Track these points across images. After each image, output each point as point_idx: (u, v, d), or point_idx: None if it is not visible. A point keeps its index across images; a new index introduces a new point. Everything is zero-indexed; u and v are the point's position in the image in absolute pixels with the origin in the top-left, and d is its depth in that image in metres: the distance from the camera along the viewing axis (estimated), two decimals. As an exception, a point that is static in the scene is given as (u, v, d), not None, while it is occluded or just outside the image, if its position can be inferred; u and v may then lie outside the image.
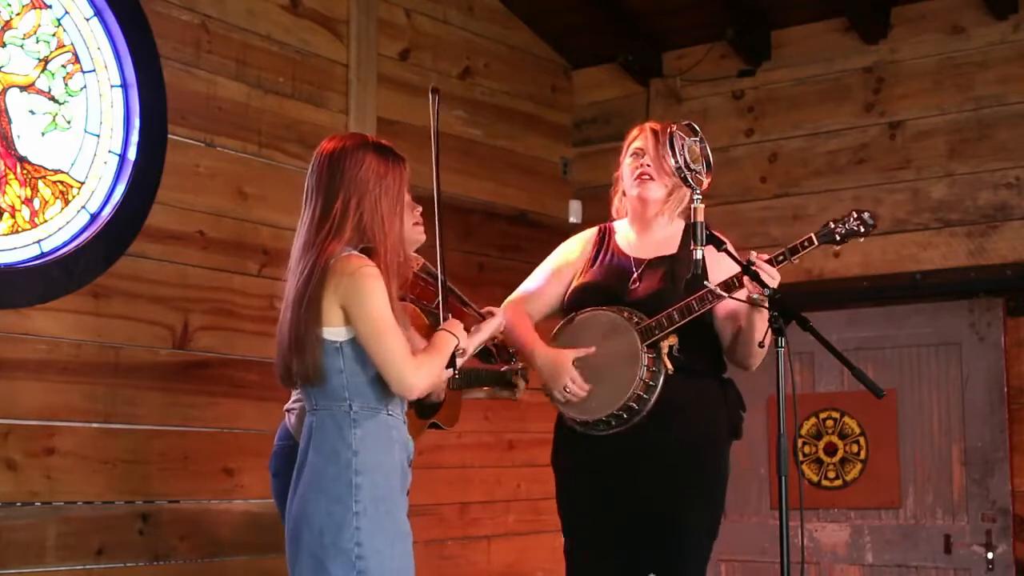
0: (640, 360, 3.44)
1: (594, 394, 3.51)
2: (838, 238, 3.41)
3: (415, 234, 3.75)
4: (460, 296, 3.46)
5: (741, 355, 3.52)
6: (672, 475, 3.49)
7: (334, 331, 2.87)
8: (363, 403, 2.90)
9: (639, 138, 3.65)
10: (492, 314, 3.23)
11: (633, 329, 3.47)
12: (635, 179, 3.61)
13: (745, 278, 3.31)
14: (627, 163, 3.66)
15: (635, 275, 3.59)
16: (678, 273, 3.52)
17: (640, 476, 3.49)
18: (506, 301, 3.76)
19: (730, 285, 3.36)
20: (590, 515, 3.57)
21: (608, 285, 3.60)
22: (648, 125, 3.68)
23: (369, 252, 2.94)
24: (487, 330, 3.15)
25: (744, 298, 3.33)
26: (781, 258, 3.37)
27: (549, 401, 3.66)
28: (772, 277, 3.32)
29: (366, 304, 2.84)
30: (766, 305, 3.18)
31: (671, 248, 3.63)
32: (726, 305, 3.48)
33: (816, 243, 3.39)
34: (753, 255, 3.36)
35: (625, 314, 3.52)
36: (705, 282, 3.34)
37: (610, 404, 3.46)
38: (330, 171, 2.94)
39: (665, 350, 3.43)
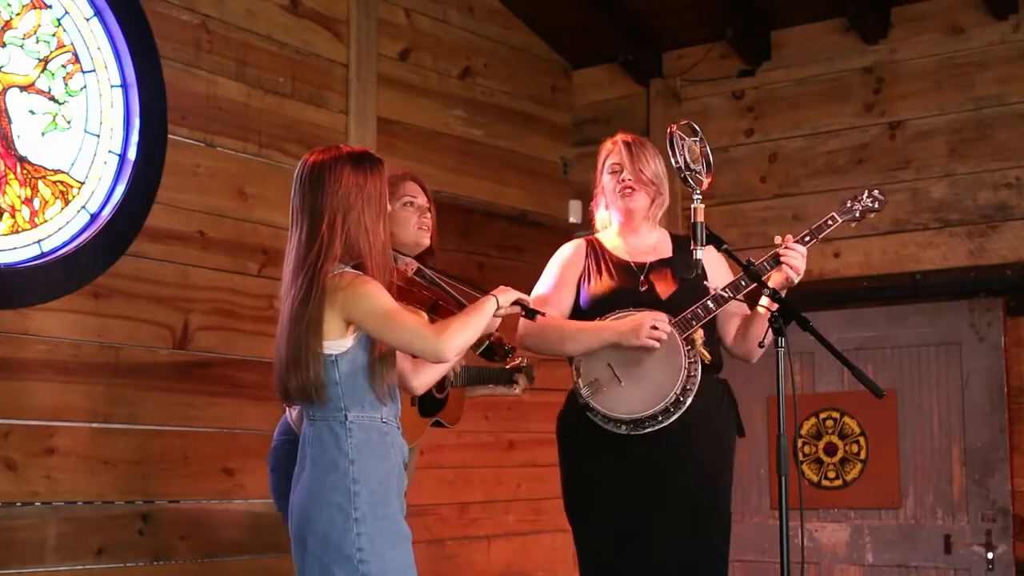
0: (681, 351, 3.49)
1: (638, 392, 3.52)
2: (858, 215, 3.61)
3: (419, 237, 3.76)
4: (456, 297, 3.45)
5: (748, 347, 3.60)
6: (703, 473, 3.56)
7: (331, 344, 2.95)
8: (358, 412, 2.97)
9: (613, 153, 3.75)
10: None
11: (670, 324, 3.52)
12: (619, 193, 3.70)
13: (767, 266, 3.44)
14: (607, 180, 3.76)
15: (641, 278, 3.65)
16: (682, 277, 3.60)
17: (674, 475, 3.53)
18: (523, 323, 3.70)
19: (762, 270, 3.46)
20: (623, 519, 3.57)
21: (624, 287, 3.65)
22: (620, 138, 3.76)
23: (361, 267, 3.00)
24: (513, 291, 3.16)
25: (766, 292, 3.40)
26: (808, 238, 3.52)
27: (597, 420, 3.58)
28: (800, 256, 3.46)
29: (369, 302, 2.92)
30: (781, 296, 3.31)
31: (665, 252, 3.72)
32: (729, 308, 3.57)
33: (839, 220, 3.57)
34: (778, 238, 3.50)
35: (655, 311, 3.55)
36: (705, 282, 3.38)
37: (659, 398, 3.48)
38: (312, 191, 3.01)
39: (699, 342, 3.50)
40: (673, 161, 3.32)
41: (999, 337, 5.19)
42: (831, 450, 5.49)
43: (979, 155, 5.23)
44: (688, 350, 3.50)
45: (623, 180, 3.69)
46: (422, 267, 3.51)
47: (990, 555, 5.11)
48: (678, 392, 3.47)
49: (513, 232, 5.85)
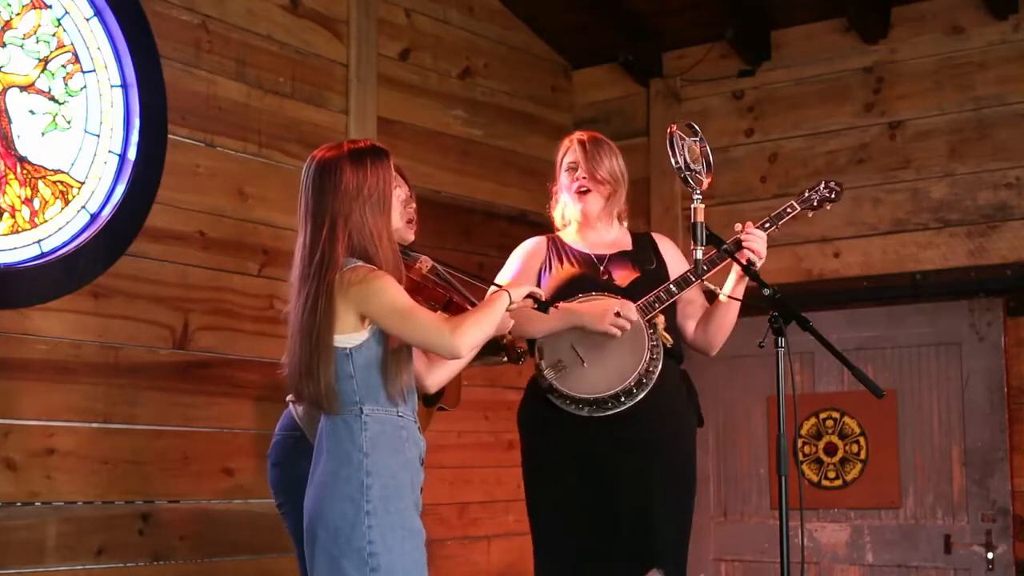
0: (644, 334, 3.53)
1: (601, 373, 3.54)
2: (815, 203, 3.74)
3: (404, 233, 3.75)
4: (469, 296, 3.45)
5: (709, 337, 3.69)
6: (666, 458, 3.59)
7: (345, 338, 2.93)
8: (373, 406, 2.96)
9: (570, 151, 3.79)
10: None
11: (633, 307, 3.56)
12: (574, 193, 3.75)
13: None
14: (563, 179, 3.80)
15: (602, 268, 3.70)
16: (643, 266, 3.69)
17: (637, 462, 3.55)
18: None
19: (718, 258, 3.53)
20: (582, 505, 3.59)
21: (584, 274, 3.69)
22: (575, 136, 3.82)
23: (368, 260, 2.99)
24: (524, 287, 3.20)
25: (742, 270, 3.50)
26: (768, 225, 3.61)
27: (555, 399, 3.63)
28: (761, 240, 3.54)
29: (383, 296, 2.91)
30: (754, 272, 3.40)
31: (625, 246, 3.78)
32: (688, 298, 3.67)
33: (797, 208, 3.69)
34: (738, 226, 3.54)
35: (619, 297, 3.60)
36: (704, 281, 3.42)
37: (620, 379, 3.51)
38: (313, 196, 3.00)
39: (661, 326, 3.55)
40: (673, 161, 3.33)
41: (999, 337, 5.18)
42: (831, 450, 5.49)
43: (979, 155, 5.23)
44: (651, 333, 3.54)
45: (577, 179, 3.74)
46: (436, 265, 3.52)
47: (990, 555, 5.11)
48: (641, 373, 3.50)
49: (513, 232, 5.84)
